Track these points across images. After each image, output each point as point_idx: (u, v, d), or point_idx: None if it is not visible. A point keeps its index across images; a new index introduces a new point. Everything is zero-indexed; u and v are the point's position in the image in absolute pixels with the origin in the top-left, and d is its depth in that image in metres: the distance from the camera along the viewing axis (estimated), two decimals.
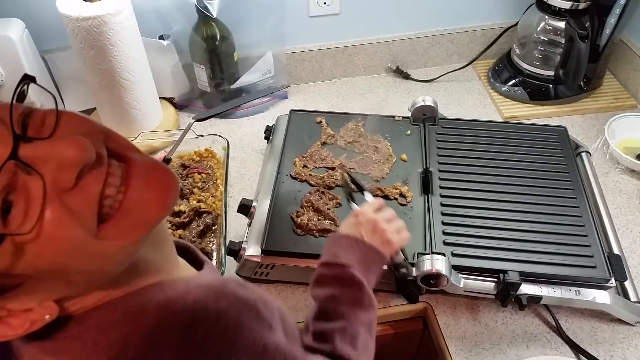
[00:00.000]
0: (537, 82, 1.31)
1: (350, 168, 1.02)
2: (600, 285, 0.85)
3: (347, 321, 0.65)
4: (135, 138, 1.16)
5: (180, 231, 0.98)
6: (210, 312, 0.46)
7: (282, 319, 0.54)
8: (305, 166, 1.03)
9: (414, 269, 0.84)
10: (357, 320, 0.66)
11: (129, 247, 0.43)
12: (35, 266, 0.38)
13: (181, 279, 0.52)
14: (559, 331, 0.87)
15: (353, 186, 0.93)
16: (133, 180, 0.42)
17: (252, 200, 0.97)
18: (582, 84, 1.29)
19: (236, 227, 1.02)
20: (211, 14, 1.14)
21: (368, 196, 0.88)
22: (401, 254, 0.82)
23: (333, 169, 1.03)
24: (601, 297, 0.84)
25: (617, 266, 0.86)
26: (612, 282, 0.84)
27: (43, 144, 0.38)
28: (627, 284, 0.89)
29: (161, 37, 1.21)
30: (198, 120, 1.06)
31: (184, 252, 0.62)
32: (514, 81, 1.33)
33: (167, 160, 1.01)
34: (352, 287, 0.68)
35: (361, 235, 0.74)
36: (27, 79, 0.42)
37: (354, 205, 0.85)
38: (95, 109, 1.25)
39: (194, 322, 0.45)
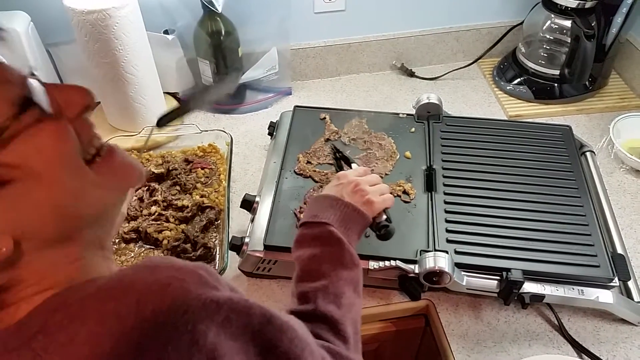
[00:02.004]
0: (542, 81, 1.30)
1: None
2: (603, 284, 0.84)
3: (328, 280, 0.64)
4: (139, 132, 1.16)
5: (183, 226, 0.98)
6: (153, 285, 0.42)
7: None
8: (309, 162, 1.03)
9: (416, 266, 0.84)
10: (340, 279, 0.65)
11: (111, 192, 0.48)
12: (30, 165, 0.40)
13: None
14: (561, 330, 0.86)
15: (341, 161, 0.92)
16: (116, 150, 0.49)
17: (255, 196, 0.97)
18: (587, 83, 1.28)
19: (239, 222, 1.02)
20: (216, 9, 1.14)
21: (355, 167, 0.88)
22: (384, 215, 0.78)
23: (340, 159, 1.02)
24: (604, 297, 0.83)
25: (620, 266, 0.86)
26: (616, 281, 0.84)
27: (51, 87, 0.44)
28: (630, 283, 0.88)
29: (166, 32, 1.21)
30: (159, 125, 0.95)
31: None
32: (519, 80, 1.32)
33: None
34: (332, 246, 0.67)
35: (341, 195, 0.73)
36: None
37: None
38: (99, 102, 1.25)
39: (141, 300, 0.41)
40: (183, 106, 0.86)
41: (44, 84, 0.43)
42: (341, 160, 0.96)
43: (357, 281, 0.68)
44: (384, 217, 0.78)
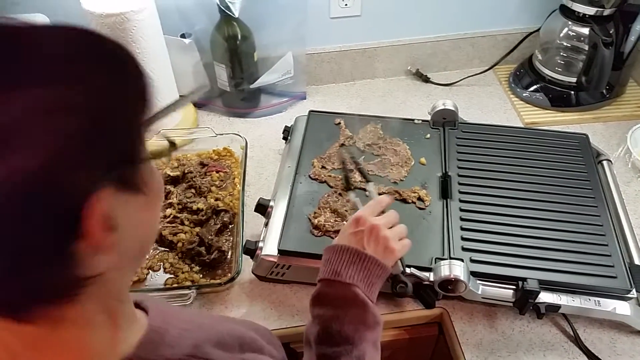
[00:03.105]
0: (558, 89, 1.29)
1: (368, 171, 1.02)
2: (620, 295, 0.83)
3: (353, 343, 0.63)
4: (154, 135, 1.16)
5: (197, 228, 0.98)
6: None
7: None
8: (323, 167, 1.03)
9: (431, 274, 0.84)
10: (363, 340, 0.64)
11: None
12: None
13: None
14: (577, 341, 0.86)
15: (354, 171, 0.89)
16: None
17: (269, 200, 0.97)
18: (604, 91, 1.27)
19: (253, 226, 1.02)
20: (233, 14, 1.15)
21: (371, 188, 0.86)
22: (399, 264, 0.77)
23: (352, 170, 1.02)
24: (621, 308, 0.83)
25: (638, 277, 0.85)
26: (633, 293, 0.83)
27: None
28: None
29: (183, 36, 1.22)
30: None
31: None
32: (535, 87, 1.32)
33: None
34: (357, 308, 0.65)
35: (363, 247, 0.70)
36: None
37: (352, 195, 0.84)
38: None
39: None
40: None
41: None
42: (355, 174, 0.95)
43: (378, 338, 0.67)
44: (401, 268, 0.77)
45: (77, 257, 0.35)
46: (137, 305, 0.48)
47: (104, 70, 0.36)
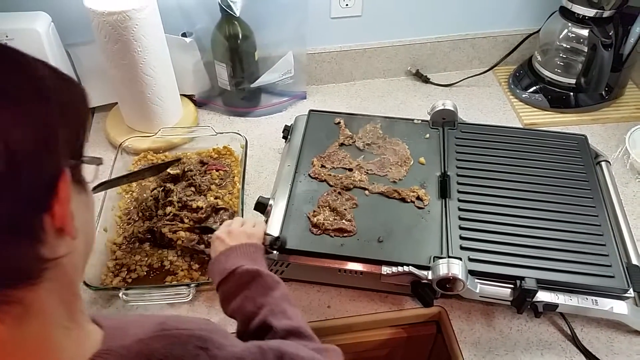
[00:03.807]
0: (558, 90, 1.30)
1: (367, 169, 1.03)
2: (618, 295, 0.84)
3: (268, 305, 0.69)
4: (156, 134, 1.17)
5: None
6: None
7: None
8: (323, 166, 1.03)
9: (429, 272, 0.84)
10: (276, 299, 0.70)
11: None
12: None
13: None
14: (574, 340, 0.86)
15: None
16: None
17: (268, 199, 0.98)
18: (603, 92, 1.28)
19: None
20: (234, 13, 1.15)
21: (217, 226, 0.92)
22: (268, 236, 0.86)
23: (351, 169, 1.03)
24: (619, 308, 0.83)
25: (635, 277, 0.85)
26: (631, 292, 0.83)
27: None
28: None
29: (184, 35, 1.22)
30: (95, 190, 0.94)
31: None
32: (534, 88, 1.32)
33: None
34: (254, 279, 0.72)
35: (228, 245, 0.78)
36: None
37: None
38: (116, 103, 1.27)
39: None
40: (122, 177, 0.99)
41: None
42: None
43: (287, 294, 0.73)
44: (269, 236, 0.86)
45: (43, 234, 0.38)
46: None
47: (65, 82, 0.44)
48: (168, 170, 1.06)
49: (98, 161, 0.48)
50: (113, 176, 1.06)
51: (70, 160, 0.42)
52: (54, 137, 0.39)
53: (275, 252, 0.87)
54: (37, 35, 1.07)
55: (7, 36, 1.04)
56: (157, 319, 0.48)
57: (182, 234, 0.97)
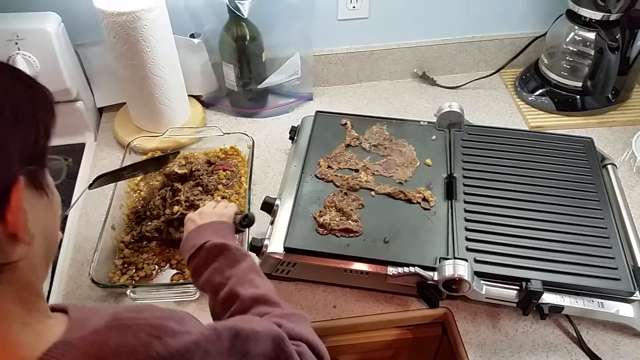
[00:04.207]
0: (564, 93, 1.30)
1: (373, 170, 1.03)
2: (624, 298, 0.84)
3: (236, 276, 0.71)
4: (163, 134, 1.17)
5: None
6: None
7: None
8: (329, 167, 1.04)
9: (435, 273, 0.85)
10: (243, 270, 0.72)
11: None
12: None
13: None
14: (580, 342, 0.86)
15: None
16: None
17: (275, 199, 0.98)
18: (610, 96, 1.28)
19: (258, 224, 1.02)
20: (242, 14, 1.16)
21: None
22: (237, 215, 0.87)
23: (357, 170, 1.03)
24: (625, 310, 0.83)
25: None
26: (637, 295, 0.83)
27: None
28: None
29: (192, 36, 1.23)
30: (92, 187, 0.96)
31: None
32: (541, 91, 1.32)
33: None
34: (222, 252, 0.74)
35: (197, 224, 0.81)
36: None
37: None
38: (125, 103, 1.27)
39: None
40: (117, 172, 0.99)
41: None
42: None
43: (256, 266, 0.75)
44: (239, 217, 0.86)
45: None
46: (57, 309, 0.50)
47: (23, 87, 0.44)
48: (175, 169, 1.07)
49: (65, 163, 0.50)
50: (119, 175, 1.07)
51: (29, 167, 0.43)
52: (4, 146, 0.40)
53: (244, 229, 0.88)
54: (47, 36, 1.08)
55: (17, 36, 1.05)
56: (113, 309, 0.49)
57: None
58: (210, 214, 0.83)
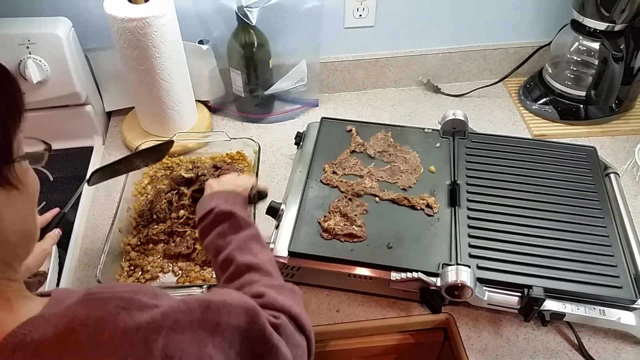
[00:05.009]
0: (568, 102, 1.31)
1: (378, 177, 1.04)
2: (625, 305, 0.84)
3: (236, 242, 0.74)
4: (171, 137, 1.19)
5: None
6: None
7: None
8: (334, 173, 1.05)
9: (438, 279, 0.85)
10: (244, 237, 0.75)
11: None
12: None
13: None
14: (581, 350, 0.87)
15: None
16: None
17: (280, 204, 0.99)
18: (613, 105, 1.29)
19: (263, 229, 1.02)
20: (250, 22, 1.18)
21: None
22: (255, 193, 0.90)
23: (362, 176, 1.04)
24: (626, 318, 0.84)
25: None
26: (639, 303, 0.84)
27: None
28: None
29: (201, 42, 1.25)
30: (90, 183, 0.96)
31: None
32: (544, 100, 1.33)
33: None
34: (227, 218, 0.77)
35: (214, 190, 0.84)
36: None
37: None
38: (133, 107, 1.29)
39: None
40: (113, 166, 0.98)
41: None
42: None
43: (259, 236, 0.78)
44: (254, 191, 0.89)
45: None
46: (44, 294, 0.51)
47: None
48: (182, 174, 1.08)
49: (45, 147, 0.51)
50: (125, 177, 1.07)
51: None
52: None
53: (256, 202, 0.93)
54: (58, 40, 1.09)
55: (29, 40, 1.07)
56: (87, 288, 0.50)
57: (194, 236, 0.99)
58: (228, 182, 0.86)
